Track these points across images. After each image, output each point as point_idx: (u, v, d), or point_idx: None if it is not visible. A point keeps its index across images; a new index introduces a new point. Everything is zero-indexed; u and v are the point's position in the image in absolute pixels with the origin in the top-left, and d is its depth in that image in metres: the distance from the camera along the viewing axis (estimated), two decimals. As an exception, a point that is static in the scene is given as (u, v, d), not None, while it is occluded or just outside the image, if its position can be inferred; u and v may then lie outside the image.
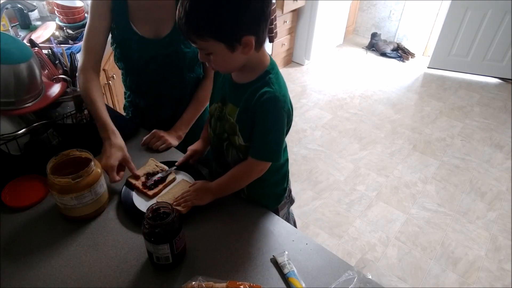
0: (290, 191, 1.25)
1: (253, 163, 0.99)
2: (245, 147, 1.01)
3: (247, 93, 0.93)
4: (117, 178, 1.06)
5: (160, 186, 1.10)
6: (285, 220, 1.24)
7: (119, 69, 1.35)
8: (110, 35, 1.26)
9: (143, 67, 1.26)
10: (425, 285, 1.92)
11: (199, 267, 0.91)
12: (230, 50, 0.83)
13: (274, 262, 0.92)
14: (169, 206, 0.86)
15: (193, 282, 0.82)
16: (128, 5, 1.19)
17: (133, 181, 1.10)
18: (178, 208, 0.99)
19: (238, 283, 0.83)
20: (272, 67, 0.94)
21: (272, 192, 1.17)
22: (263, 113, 0.92)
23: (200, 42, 0.83)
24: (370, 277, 0.86)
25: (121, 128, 1.33)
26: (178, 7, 0.81)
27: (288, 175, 1.21)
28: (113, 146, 1.09)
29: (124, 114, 1.50)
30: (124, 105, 1.49)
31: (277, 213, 1.19)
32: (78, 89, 1.21)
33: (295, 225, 1.37)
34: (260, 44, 0.88)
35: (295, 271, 0.88)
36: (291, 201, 1.28)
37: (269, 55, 0.97)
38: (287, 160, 1.18)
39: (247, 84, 0.94)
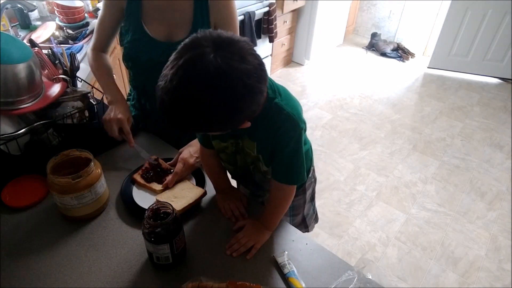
0: (313, 170, 1.25)
1: (286, 189, 0.97)
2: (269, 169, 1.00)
3: (260, 126, 0.86)
4: (117, 134, 1.15)
5: (166, 179, 1.11)
6: (310, 205, 1.30)
7: (127, 68, 1.31)
8: (118, 34, 1.25)
9: (152, 70, 1.18)
10: (425, 285, 1.92)
11: (199, 267, 0.91)
12: None
13: (274, 262, 0.92)
14: (169, 206, 0.85)
15: (193, 282, 0.82)
16: (142, 5, 1.16)
17: (138, 178, 1.11)
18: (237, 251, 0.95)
19: (238, 283, 0.83)
20: (273, 89, 0.86)
21: None
22: (285, 142, 0.88)
23: None
24: (370, 277, 0.86)
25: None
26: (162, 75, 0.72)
27: (311, 158, 1.19)
28: (118, 108, 1.18)
29: None
30: None
31: (304, 192, 1.22)
32: (78, 89, 1.21)
33: (316, 217, 1.42)
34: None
35: (295, 271, 0.88)
36: (315, 180, 1.30)
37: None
38: (309, 147, 1.15)
39: (256, 119, 0.83)
